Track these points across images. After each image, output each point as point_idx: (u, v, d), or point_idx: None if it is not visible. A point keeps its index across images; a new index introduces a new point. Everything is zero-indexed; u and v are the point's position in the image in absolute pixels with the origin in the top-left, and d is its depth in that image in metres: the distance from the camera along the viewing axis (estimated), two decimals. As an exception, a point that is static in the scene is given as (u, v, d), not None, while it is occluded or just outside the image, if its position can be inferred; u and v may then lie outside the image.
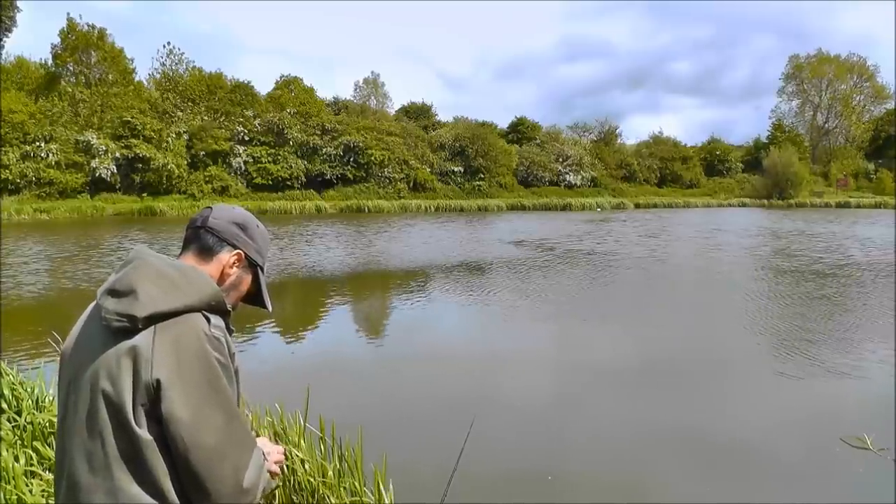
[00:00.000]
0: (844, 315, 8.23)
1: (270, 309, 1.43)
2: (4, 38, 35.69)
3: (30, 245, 16.24)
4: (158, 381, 1.06)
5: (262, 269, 1.39)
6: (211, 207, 1.35)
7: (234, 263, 1.32)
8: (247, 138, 39.03)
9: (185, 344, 1.10)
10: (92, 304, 1.24)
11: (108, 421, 1.08)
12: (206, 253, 1.30)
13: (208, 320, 1.17)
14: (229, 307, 1.25)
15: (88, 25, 37.37)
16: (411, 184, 41.81)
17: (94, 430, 1.09)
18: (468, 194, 42.79)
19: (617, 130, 55.67)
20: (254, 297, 1.41)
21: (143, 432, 1.07)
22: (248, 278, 1.37)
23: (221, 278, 1.31)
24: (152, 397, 1.07)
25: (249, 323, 7.36)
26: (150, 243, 16.47)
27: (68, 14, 37.53)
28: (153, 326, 1.10)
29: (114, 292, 1.13)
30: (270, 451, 1.37)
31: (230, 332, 1.24)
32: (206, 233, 1.30)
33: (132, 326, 1.09)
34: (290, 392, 3.65)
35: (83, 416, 1.11)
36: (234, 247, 1.32)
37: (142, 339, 1.09)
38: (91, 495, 1.09)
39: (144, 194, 34.57)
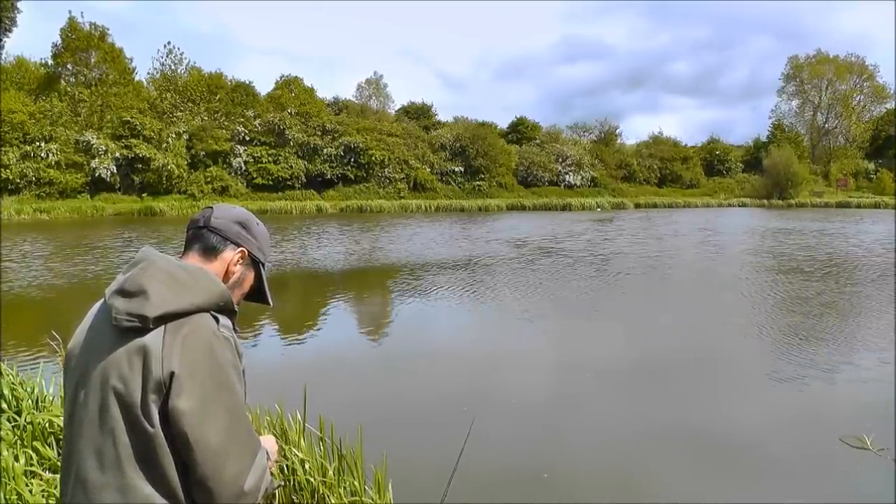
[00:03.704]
0: (814, 309, 8.25)
1: (272, 304, 1.46)
2: (4, 38, 35.68)
3: (28, 245, 16.24)
4: (172, 375, 1.08)
5: (263, 266, 1.42)
6: (211, 207, 1.37)
7: (238, 261, 1.34)
8: (247, 138, 39.03)
9: (194, 343, 1.12)
10: (97, 304, 1.25)
11: (119, 419, 1.10)
12: (211, 252, 1.31)
13: (217, 321, 1.18)
14: (235, 306, 1.27)
15: (90, 24, 37.43)
16: (411, 184, 41.82)
17: (104, 428, 1.11)
18: (468, 194, 42.78)
19: (617, 130, 55.74)
20: (255, 293, 1.44)
21: (156, 430, 1.08)
22: (250, 275, 1.39)
23: (226, 276, 1.32)
24: (164, 394, 1.08)
25: (248, 321, 7.37)
26: (134, 240, 16.46)
27: (70, 13, 37.50)
28: (163, 326, 1.12)
29: (124, 292, 1.14)
30: (271, 450, 1.39)
31: (236, 332, 1.25)
32: (210, 232, 1.32)
33: (143, 326, 1.10)
34: (290, 391, 3.65)
35: (93, 414, 1.12)
36: (238, 245, 1.34)
37: (152, 338, 1.11)
38: (101, 493, 1.10)
39: (144, 194, 34.56)
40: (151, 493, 1.09)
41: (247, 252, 1.35)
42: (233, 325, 1.25)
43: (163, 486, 1.10)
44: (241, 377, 1.20)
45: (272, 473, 1.30)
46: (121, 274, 1.21)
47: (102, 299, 1.22)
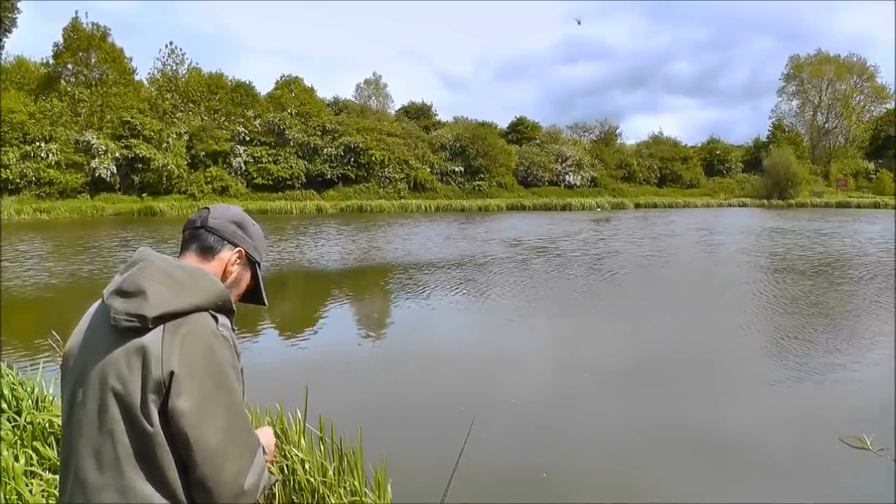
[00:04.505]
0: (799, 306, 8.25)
1: (267, 304, 1.47)
2: (4, 38, 35.69)
3: (27, 245, 16.24)
4: (171, 374, 1.08)
5: (259, 266, 1.42)
6: (208, 208, 1.37)
7: (235, 261, 1.35)
8: (247, 138, 39.04)
9: (194, 343, 1.12)
10: (95, 304, 1.25)
11: (118, 419, 1.10)
12: (208, 252, 1.32)
13: (216, 320, 1.19)
14: (233, 305, 1.28)
15: (92, 24, 37.44)
16: (411, 184, 41.83)
17: (103, 428, 1.10)
18: (468, 194, 42.80)
19: (617, 130, 55.69)
20: (251, 293, 1.44)
21: (155, 430, 1.08)
22: (247, 275, 1.40)
23: (224, 276, 1.33)
24: (164, 393, 1.08)
25: (248, 321, 7.37)
26: (136, 240, 16.51)
27: (76, 13, 37.54)
28: (162, 326, 1.12)
29: (122, 293, 1.14)
30: (268, 444, 1.39)
31: (234, 331, 1.26)
32: (207, 233, 1.32)
33: (142, 326, 1.10)
34: (290, 391, 3.65)
35: (92, 414, 1.12)
36: (235, 245, 1.34)
37: (151, 338, 1.10)
38: (100, 494, 1.10)
39: (144, 194, 34.56)
40: (151, 494, 1.09)
41: (244, 252, 1.36)
42: (231, 324, 1.25)
43: (162, 486, 1.10)
44: (240, 376, 1.20)
45: (269, 471, 1.30)
46: (118, 274, 1.21)
47: (100, 300, 1.21)
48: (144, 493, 1.09)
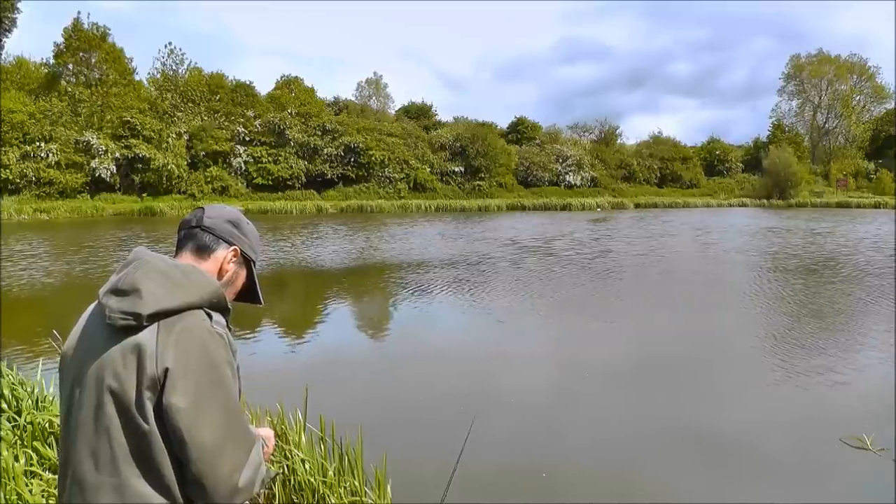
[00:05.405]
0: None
1: (263, 303, 1.47)
2: (4, 38, 35.68)
3: (28, 245, 16.24)
4: (166, 371, 1.08)
5: (254, 265, 1.43)
6: (202, 207, 1.38)
7: (231, 259, 1.35)
8: (247, 138, 39.04)
9: (188, 340, 1.12)
10: (92, 304, 1.26)
11: (114, 418, 1.10)
12: (204, 251, 1.32)
13: (210, 317, 1.19)
14: (228, 304, 1.28)
15: (92, 24, 37.43)
16: (411, 184, 41.84)
17: (100, 427, 1.11)
18: (468, 194, 42.81)
19: (617, 131, 55.65)
20: (246, 293, 1.45)
21: (151, 427, 1.08)
22: (242, 274, 1.41)
23: (219, 275, 1.33)
24: (158, 390, 1.08)
25: (248, 322, 7.37)
26: (136, 239, 16.50)
27: (78, 13, 37.56)
28: (157, 323, 1.12)
29: (117, 291, 1.15)
30: (267, 437, 1.40)
31: (229, 329, 1.26)
32: (203, 232, 1.33)
33: (137, 324, 1.11)
34: (290, 391, 3.65)
35: (89, 414, 1.12)
36: (230, 244, 1.35)
37: (146, 336, 1.11)
38: (97, 493, 1.10)
39: (144, 194, 34.57)
40: (148, 492, 1.09)
41: (239, 251, 1.36)
42: (227, 322, 1.25)
43: (159, 483, 1.10)
44: (236, 374, 1.21)
45: (269, 464, 1.30)
46: (114, 274, 1.21)
47: (97, 300, 1.22)
48: (141, 491, 1.09)
